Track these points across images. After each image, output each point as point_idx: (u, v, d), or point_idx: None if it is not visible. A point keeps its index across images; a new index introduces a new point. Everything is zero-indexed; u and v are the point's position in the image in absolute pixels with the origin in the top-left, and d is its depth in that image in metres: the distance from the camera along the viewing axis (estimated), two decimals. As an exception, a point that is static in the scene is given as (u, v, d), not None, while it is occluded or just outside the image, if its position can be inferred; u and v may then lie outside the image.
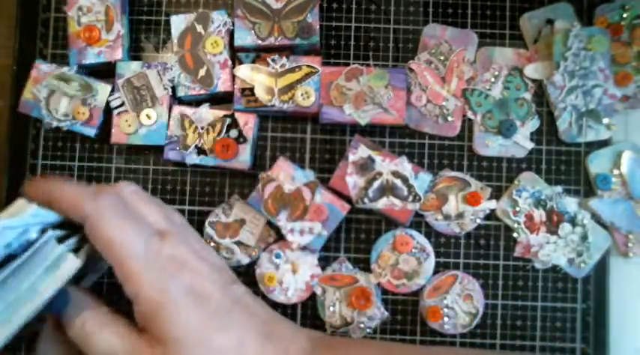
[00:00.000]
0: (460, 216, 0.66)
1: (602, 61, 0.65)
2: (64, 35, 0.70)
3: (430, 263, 0.66)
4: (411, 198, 0.63)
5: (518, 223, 0.66)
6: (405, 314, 0.67)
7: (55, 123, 0.66)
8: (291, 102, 0.64)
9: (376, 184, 0.63)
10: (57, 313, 0.51)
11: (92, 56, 0.67)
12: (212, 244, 0.67)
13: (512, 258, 0.67)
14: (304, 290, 0.66)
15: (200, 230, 0.68)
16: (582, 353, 0.67)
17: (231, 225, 0.67)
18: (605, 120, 0.66)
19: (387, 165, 0.64)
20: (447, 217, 0.66)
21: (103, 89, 0.66)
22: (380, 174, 0.64)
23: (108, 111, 0.67)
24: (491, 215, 0.67)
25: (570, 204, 0.66)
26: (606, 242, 0.66)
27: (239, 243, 0.67)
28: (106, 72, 0.67)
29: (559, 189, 0.66)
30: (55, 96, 0.66)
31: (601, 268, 0.67)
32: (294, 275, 0.66)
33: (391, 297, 0.67)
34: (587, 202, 0.66)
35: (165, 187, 0.69)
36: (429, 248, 0.66)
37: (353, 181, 0.64)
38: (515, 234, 0.66)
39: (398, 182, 0.64)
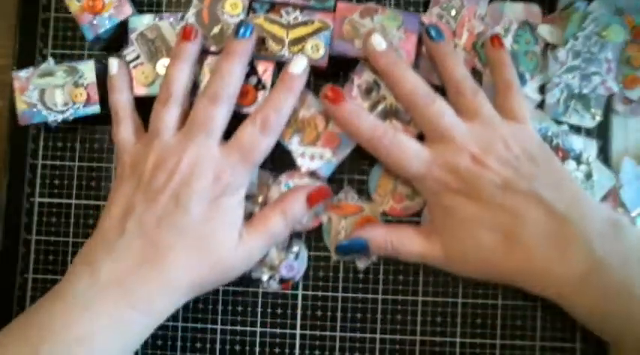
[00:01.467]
0: None
1: (611, 52, 0.64)
2: (65, 35, 0.70)
3: None
4: (413, 123, 0.64)
5: None
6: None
7: (60, 117, 0.66)
8: (300, 54, 0.65)
9: (380, 107, 0.64)
10: None
11: (104, 22, 0.66)
12: None
13: (512, 257, 0.67)
14: (312, 220, 0.66)
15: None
16: (582, 353, 0.66)
17: None
18: (593, 110, 0.66)
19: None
20: None
21: (86, 66, 0.66)
22: (384, 98, 0.64)
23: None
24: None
25: (576, 142, 0.66)
26: (610, 181, 0.66)
27: (245, 197, 0.66)
28: (121, 41, 0.67)
29: (565, 127, 0.66)
30: (48, 93, 0.66)
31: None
32: None
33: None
34: None
35: (165, 187, 0.69)
36: None
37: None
38: None
39: (401, 106, 0.64)
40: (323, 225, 0.67)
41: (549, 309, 0.67)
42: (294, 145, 0.65)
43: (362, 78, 0.65)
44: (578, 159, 0.66)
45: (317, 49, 0.65)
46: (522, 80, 0.66)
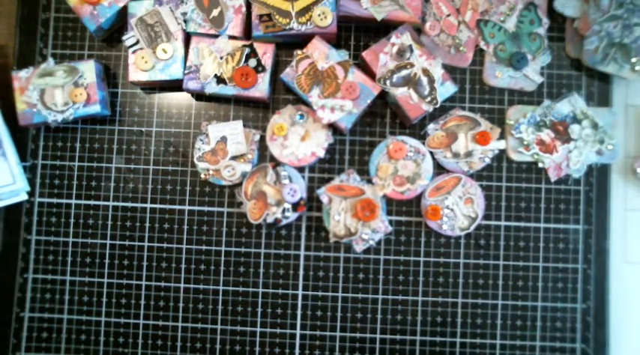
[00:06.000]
0: (469, 154, 0.67)
1: None
2: (65, 35, 0.70)
3: (428, 162, 0.67)
4: (429, 98, 0.64)
5: (537, 153, 0.67)
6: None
7: (60, 117, 0.66)
8: (309, 24, 0.65)
9: (404, 72, 0.64)
10: None
11: (104, 10, 0.66)
12: (211, 173, 0.68)
13: (513, 257, 0.67)
14: (302, 157, 0.67)
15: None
16: (582, 353, 0.66)
17: (217, 148, 0.67)
18: (633, 59, 0.65)
19: (422, 60, 0.65)
20: (455, 155, 0.67)
21: (86, 66, 0.66)
22: (412, 65, 0.65)
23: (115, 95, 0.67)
24: (491, 214, 0.67)
25: (563, 107, 0.66)
26: (613, 116, 0.66)
27: (234, 158, 0.67)
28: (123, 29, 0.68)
29: (547, 101, 0.67)
30: (48, 93, 0.66)
31: (601, 268, 0.67)
32: (301, 141, 0.67)
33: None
34: None
35: (165, 187, 0.69)
36: (424, 148, 0.67)
37: (385, 60, 0.65)
38: (540, 165, 0.67)
39: (424, 80, 0.64)
40: (324, 205, 0.67)
41: (549, 309, 0.67)
42: (314, 98, 0.64)
43: (400, 38, 0.65)
44: (577, 120, 0.66)
45: (325, 16, 0.65)
46: (524, 61, 0.67)
